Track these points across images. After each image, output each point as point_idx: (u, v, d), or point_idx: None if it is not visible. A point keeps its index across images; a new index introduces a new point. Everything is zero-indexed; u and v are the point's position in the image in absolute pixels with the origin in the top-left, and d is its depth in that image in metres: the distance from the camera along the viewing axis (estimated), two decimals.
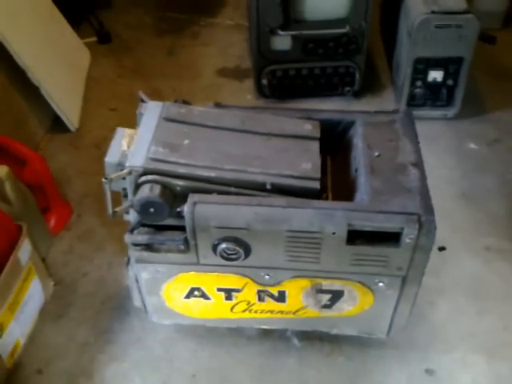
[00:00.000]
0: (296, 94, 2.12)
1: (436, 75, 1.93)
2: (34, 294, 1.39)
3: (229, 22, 2.62)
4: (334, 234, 1.05)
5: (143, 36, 2.53)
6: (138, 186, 1.09)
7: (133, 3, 2.74)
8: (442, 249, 1.59)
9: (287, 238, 1.07)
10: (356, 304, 1.20)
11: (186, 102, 1.27)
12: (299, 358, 1.36)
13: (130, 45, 2.49)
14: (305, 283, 1.17)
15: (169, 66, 2.36)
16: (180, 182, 1.09)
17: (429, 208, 1.06)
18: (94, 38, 2.48)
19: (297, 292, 1.19)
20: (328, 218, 1.05)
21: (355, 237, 1.06)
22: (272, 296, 1.21)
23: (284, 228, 1.06)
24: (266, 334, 1.39)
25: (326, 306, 1.22)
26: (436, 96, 1.99)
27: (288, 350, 1.37)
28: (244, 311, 1.26)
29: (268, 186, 1.10)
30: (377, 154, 1.17)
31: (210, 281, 1.19)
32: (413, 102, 2.00)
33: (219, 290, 1.21)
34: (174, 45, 2.48)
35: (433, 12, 1.80)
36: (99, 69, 2.34)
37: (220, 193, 1.09)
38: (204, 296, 1.23)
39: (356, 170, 1.17)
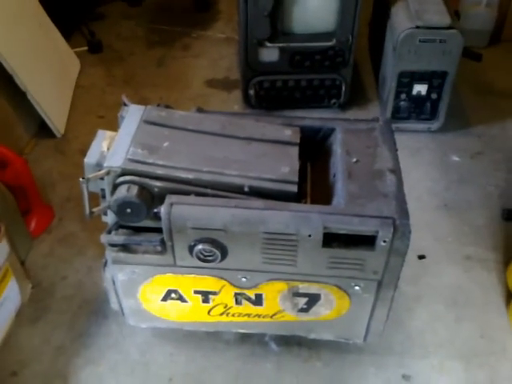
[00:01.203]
0: (282, 105, 2.14)
1: (420, 89, 1.96)
2: (11, 295, 1.38)
3: (220, 35, 2.66)
4: (309, 236, 1.05)
5: (134, 47, 2.56)
6: (115, 187, 1.09)
7: (125, 15, 2.78)
8: (421, 257, 1.60)
9: (264, 239, 1.07)
10: (332, 308, 1.20)
11: (168, 107, 1.28)
12: (277, 363, 1.35)
13: (120, 55, 2.51)
14: (281, 286, 1.17)
15: (158, 77, 2.38)
16: (158, 183, 1.09)
17: (404, 212, 1.06)
18: (85, 48, 2.51)
19: (274, 295, 1.19)
20: (304, 221, 1.05)
21: (331, 240, 1.07)
22: (249, 299, 1.20)
23: (261, 230, 1.06)
24: (244, 339, 1.38)
25: (302, 310, 1.22)
26: (420, 109, 2.01)
27: (266, 354, 1.36)
28: (221, 314, 1.25)
29: (246, 189, 1.10)
30: (355, 159, 1.18)
31: (187, 283, 1.19)
32: (397, 114, 2.03)
33: (196, 292, 1.21)
34: (164, 56, 2.50)
35: (417, 27, 1.83)
36: (89, 77, 2.36)
37: (198, 194, 1.10)
38: (181, 298, 1.23)
39: (334, 176, 1.18)
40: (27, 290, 1.48)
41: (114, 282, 1.22)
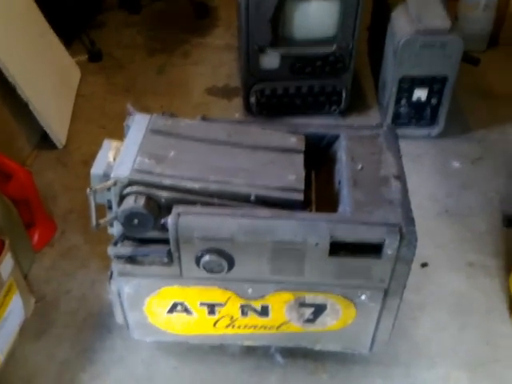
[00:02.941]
0: (283, 112, 2.14)
1: (420, 94, 1.96)
2: (15, 310, 1.37)
3: (219, 42, 2.66)
4: (317, 245, 1.05)
5: (134, 55, 2.56)
6: (122, 198, 1.08)
7: (125, 23, 2.78)
8: (424, 265, 1.59)
9: (271, 249, 1.07)
10: (339, 318, 1.19)
11: (173, 115, 1.27)
12: (283, 375, 1.34)
13: (121, 63, 2.51)
14: (288, 297, 1.16)
15: (159, 85, 2.38)
16: (165, 194, 1.08)
17: (410, 219, 1.06)
18: (85, 57, 2.50)
19: (280, 306, 1.18)
20: (311, 229, 1.05)
21: (338, 248, 1.07)
22: (255, 310, 1.20)
23: (268, 239, 1.06)
24: (250, 352, 1.37)
25: (309, 321, 1.21)
26: (420, 115, 2.01)
27: (271, 367, 1.35)
28: (227, 326, 1.24)
29: (252, 198, 1.10)
30: (360, 166, 1.18)
31: (193, 295, 1.18)
32: (397, 120, 2.03)
33: (202, 304, 1.20)
34: (165, 64, 2.50)
35: (418, 32, 1.83)
36: (89, 86, 2.35)
37: (204, 204, 1.09)
38: (187, 311, 1.22)
39: (339, 183, 1.18)
40: (31, 304, 1.46)
41: (119, 295, 1.21)
